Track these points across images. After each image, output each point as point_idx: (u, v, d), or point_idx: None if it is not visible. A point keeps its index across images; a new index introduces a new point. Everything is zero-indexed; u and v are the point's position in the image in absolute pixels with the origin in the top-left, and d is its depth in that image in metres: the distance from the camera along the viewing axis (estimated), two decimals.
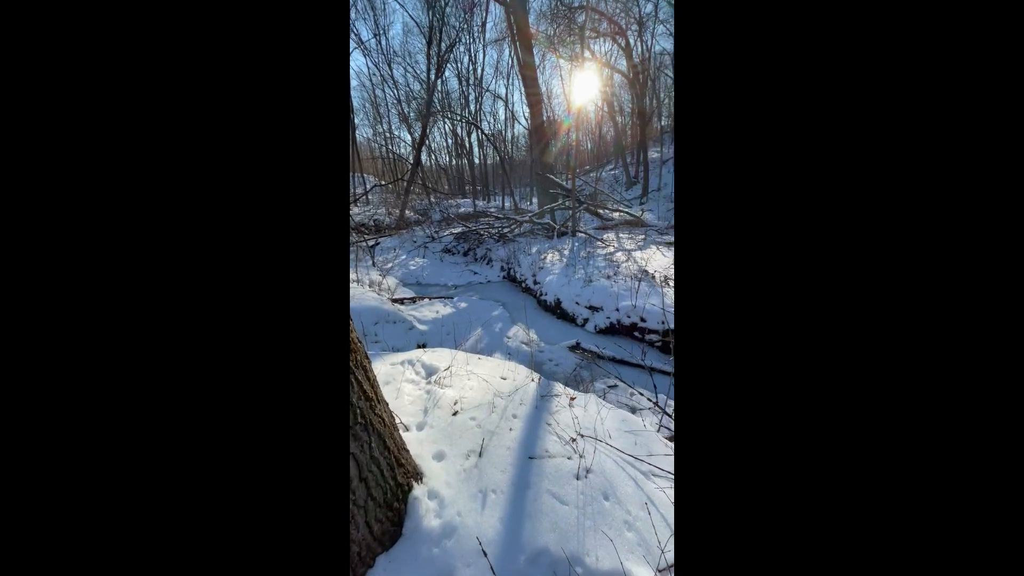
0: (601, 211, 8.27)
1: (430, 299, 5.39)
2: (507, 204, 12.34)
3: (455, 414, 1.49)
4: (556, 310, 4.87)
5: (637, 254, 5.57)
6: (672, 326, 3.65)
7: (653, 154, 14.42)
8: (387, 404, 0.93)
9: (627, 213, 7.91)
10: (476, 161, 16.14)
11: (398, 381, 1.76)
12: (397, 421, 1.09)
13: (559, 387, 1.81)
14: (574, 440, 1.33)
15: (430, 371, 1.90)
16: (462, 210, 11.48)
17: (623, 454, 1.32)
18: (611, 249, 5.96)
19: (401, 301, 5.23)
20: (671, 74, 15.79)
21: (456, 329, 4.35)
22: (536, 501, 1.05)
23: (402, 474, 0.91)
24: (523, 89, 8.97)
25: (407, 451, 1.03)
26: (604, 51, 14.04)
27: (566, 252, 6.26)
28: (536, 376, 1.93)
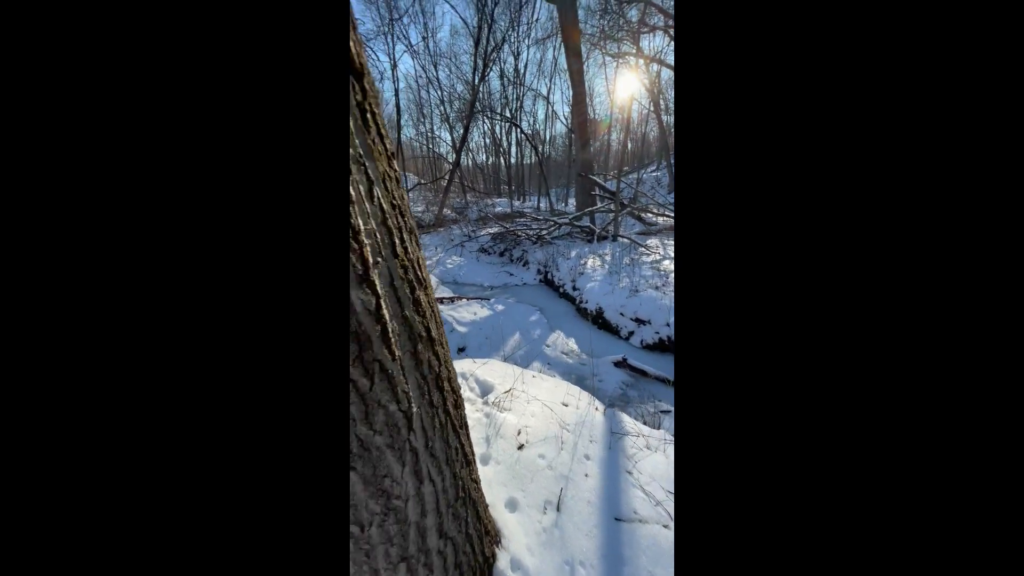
0: (644, 215, 7.81)
1: (468, 300, 5.32)
2: (543, 205, 12.09)
3: (520, 448, 1.33)
4: (598, 320, 4.58)
5: None
6: None
7: None
8: (475, 459, 0.79)
9: (671, 218, 7.41)
10: (512, 160, 16.03)
11: None
12: None
13: (629, 422, 1.61)
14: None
15: (485, 389, 1.77)
16: (498, 209, 11.39)
17: None
18: (657, 256, 5.55)
19: (440, 300, 5.22)
20: None
21: (495, 333, 4.24)
22: None
23: (488, 543, 0.77)
24: (567, 87, 8.67)
25: (487, 506, 0.88)
26: (653, 47, 13.35)
27: (608, 258, 5.94)
28: (600, 406, 1.73)
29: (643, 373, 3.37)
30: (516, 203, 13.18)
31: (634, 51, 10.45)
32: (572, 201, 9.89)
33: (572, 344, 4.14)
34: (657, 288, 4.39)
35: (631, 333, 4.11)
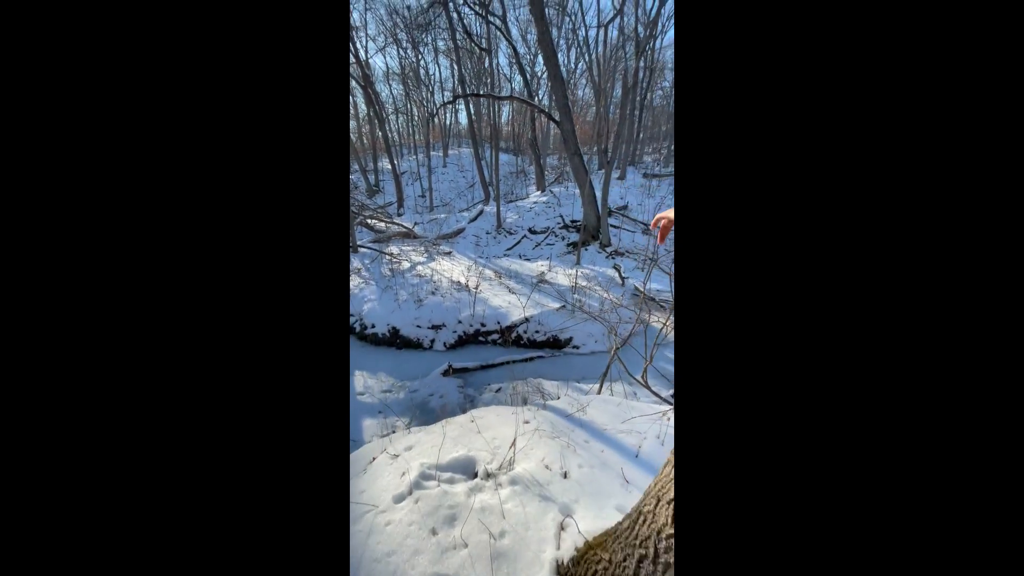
0: (374, 223, 7.70)
1: None
2: None
3: None
4: (395, 340, 4.40)
5: (434, 265, 5.67)
6: (504, 324, 4.47)
7: (391, 164, 14.62)
8: None
9: (400, 225, 7.93)
10: None
11: None
12: None
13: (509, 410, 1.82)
14: None
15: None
16: None
17: None
18: (407, 264, 5.77)
19: None
20: (388, 84, 15.90)
21: None
22: None
23: None
24: None
25: None
26: None
27: (365, 273, 5.46)
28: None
29: (465, 369, 3.86)
30: None
31: None
32: None
33: (383, 377, 3.75)
34: (433, 293, 4.75)
35: (432, 341, 4.35)
